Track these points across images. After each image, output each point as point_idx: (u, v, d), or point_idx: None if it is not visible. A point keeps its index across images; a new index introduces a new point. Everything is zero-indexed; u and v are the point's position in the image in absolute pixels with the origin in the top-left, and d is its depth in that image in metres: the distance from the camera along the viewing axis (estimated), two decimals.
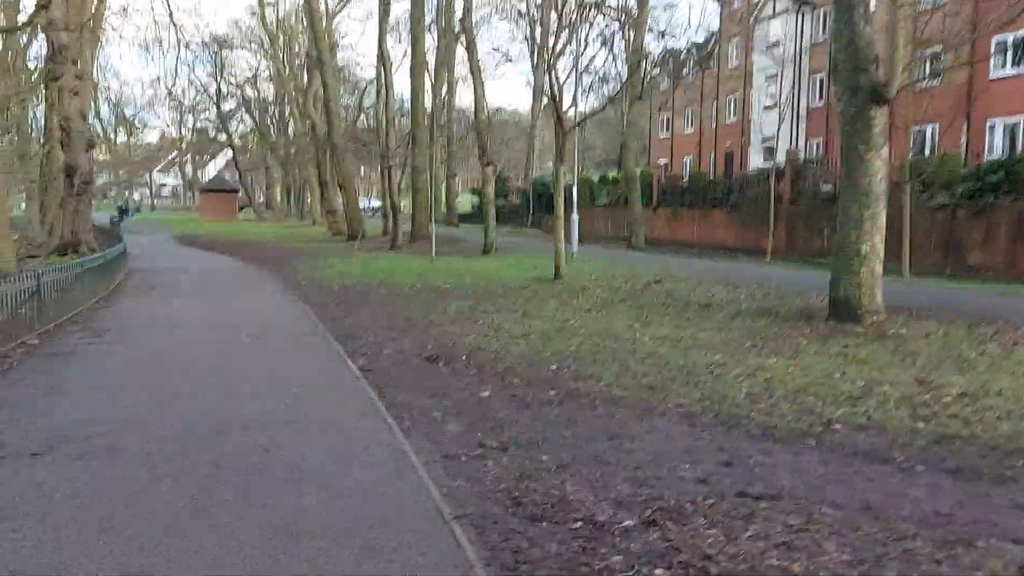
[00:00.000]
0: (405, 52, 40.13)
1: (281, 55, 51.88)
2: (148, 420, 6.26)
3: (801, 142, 37.17)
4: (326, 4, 41.05)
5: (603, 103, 22.23)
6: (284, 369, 8.41)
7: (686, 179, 38.79)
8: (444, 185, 51.55)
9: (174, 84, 61.12)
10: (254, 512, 4.29)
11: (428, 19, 35.43)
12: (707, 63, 45.59)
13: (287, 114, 65.54)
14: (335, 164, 39.14)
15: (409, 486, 4.79)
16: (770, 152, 34.61)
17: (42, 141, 28.99)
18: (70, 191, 24.25)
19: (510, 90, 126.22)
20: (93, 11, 26.96)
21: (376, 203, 71.84)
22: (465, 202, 63.59)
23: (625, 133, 32.99)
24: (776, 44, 36.74)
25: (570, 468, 5.23)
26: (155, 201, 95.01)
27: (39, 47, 31.76)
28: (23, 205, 37.91)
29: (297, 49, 51.04)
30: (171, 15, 44.47)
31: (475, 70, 26.45)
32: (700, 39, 47.10)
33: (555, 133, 16.91)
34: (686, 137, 50.60)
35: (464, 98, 55.32)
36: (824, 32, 36.04)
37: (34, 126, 32.43)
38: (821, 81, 36.45)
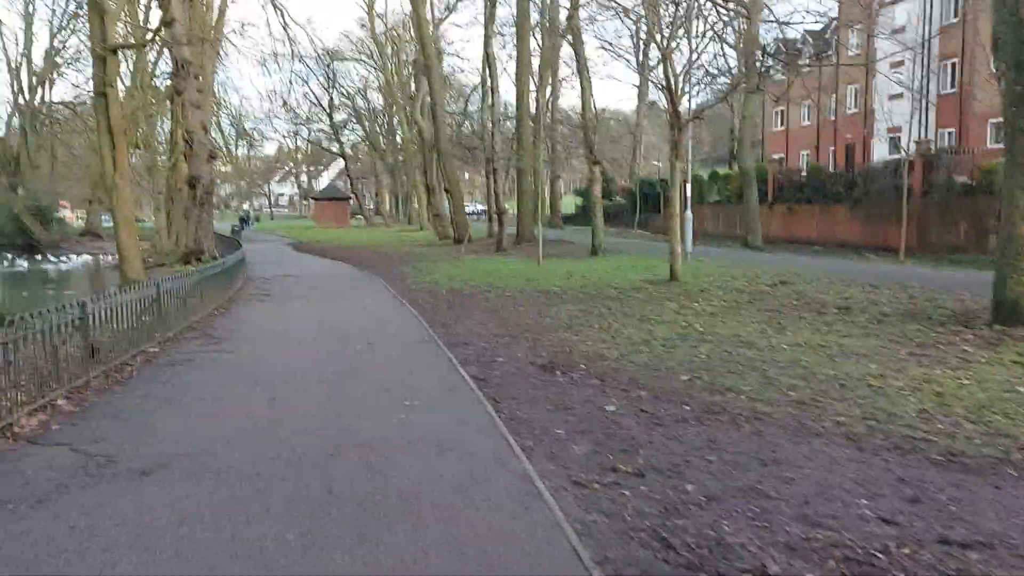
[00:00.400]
0: (510, 55, 39.84)
1: (389, 65, 52.79)
2: (260, 436, 5.92)
3: (930, 132, 34.45)
4: (432, 12, 41.37)
5: (720, 95, 21.02)
6: (396, 379, 7.99)
7: (804, 173, 36.74)
8: (548, 187, 51.12)
9: (289, 94, 63.37)
10: (369, 552, 3.77)
11: (532, 20, 35.07)
12: (825, 52, 43.12)
13: (395, 122, 66.85)
14: (441, 169, 39.31)
15: (539, 521, 4.17)
16: (895, 144, 32.21)
17: (168, 154, 30.33)
18: (193, 201, 25.16)
19: (614, 90, 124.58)
20: (213, 27, 28.01)
21: (480, 207, 72.33)
22: (568, 203, 63.01)
23: (740, 127, 31.42)
24: (902, 29, 34.20)
25: (722, 502, 4.49)
26: (273, 210, 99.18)
27: (165, 65, 33.42)
28: (151, 216, 40.00)
29: (405, 58, 51.77)
30: (285, 27, 45.62)
31: (582, 67, 25.79)
32: (817, 26, 44.67)
33: (670, 127, 16.01)
34: (802, 130, 48.11)
35: (566, 99, 54.73)
36: (955, 15, 33.32)
37: (162, 140, 34.08)
38: (953, 67, 33.70)
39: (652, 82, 45.52)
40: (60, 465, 5.22)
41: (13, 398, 6.59)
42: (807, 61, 44.16)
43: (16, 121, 47.53)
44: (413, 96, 48.39)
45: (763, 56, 25.86)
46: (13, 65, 47.44)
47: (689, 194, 24.61)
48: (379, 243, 40.18)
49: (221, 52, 31.09)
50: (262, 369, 8.81)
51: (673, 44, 16.50)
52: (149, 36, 21.36)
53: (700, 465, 5.22)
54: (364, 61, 57.91)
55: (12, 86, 46.72)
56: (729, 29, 25.41)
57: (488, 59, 29.71)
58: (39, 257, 39.59)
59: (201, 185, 25.05)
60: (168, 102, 31.04)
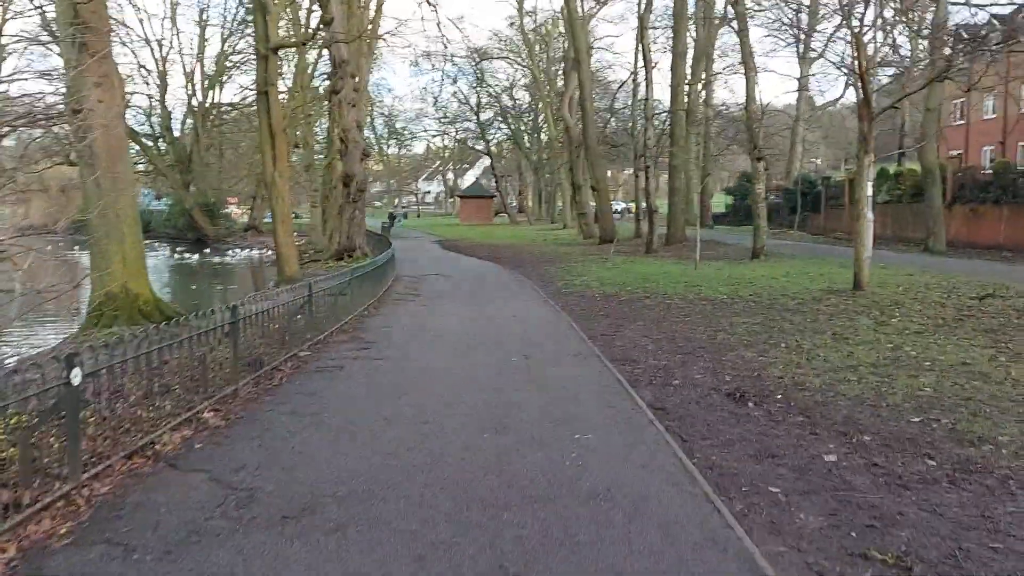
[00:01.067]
0: (665, 47, 38.16)
1: (538, 62, 52.29)
2: (415, 476, 5.09)
3: None
4: (583, 6, 40.30)
5: (920, 82, 18.57)
6: (560, 404, 7.01)
7: (988, 171, 32.71)
8: (699, 185, 48.84)
9: (440, 91, 64.29)
10: None
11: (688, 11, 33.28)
12: (1016, 37, 38.36)
13: (540, 120, 66.49)
14: (589, 166, 38.22)
15: None
16: None
17: (325, 153, 31.05)
18: (347, 199, 25.46)
19: (767, 85, 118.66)
20: (370, 26, 28.32)
21: (622, 205, 70.70)
22: (716, 203, 60.15)
23: (923, 121, 28.24)
24: None
25: None
26: (420, 208, 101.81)
27: (324, 66, 34.38)
28: (308, 212, 41.50)
29: (553, 54, 51.10)
30: (439, 23, 46.14)
31: (747, 56, 23.87)
32: (1006, 9, 39.82)
33: (859, 118, 14.12)
34: (985, 124, 43.18)
35: (717, 95, 52.07)
36: None
37: (319, 139, 35.10)
38: None
39: (836, 67, 42.27)
40: (196, 501, 4.59)
41: (160, 408, 6.19)
42: (999, 46, 39.54)
43: (189, 122, 50.85)
44: (561, 92, 47.56)
45: (955, 41, 22.96)
46: (188, 69, 50.75)
47: (870, 193, 22.16)
48: (523, 241, 39.66)
49: (376, 52, 31.50)
50: (413, 382, 8.09)
51: (862, 27, 14.57)
52: (308, 35, 21.55)
53: (983, 556, 3.87)
54: (511, 59, 57.78)
55: (186, 89, 49.94)
56: (914, 13, 22.72)
57: (643, 51, 28.33)
58: (207, 251, 42.02)
59: (355, 183, 25.30)
60: (326, 102, 31.96)
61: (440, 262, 26.60)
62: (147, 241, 51.62)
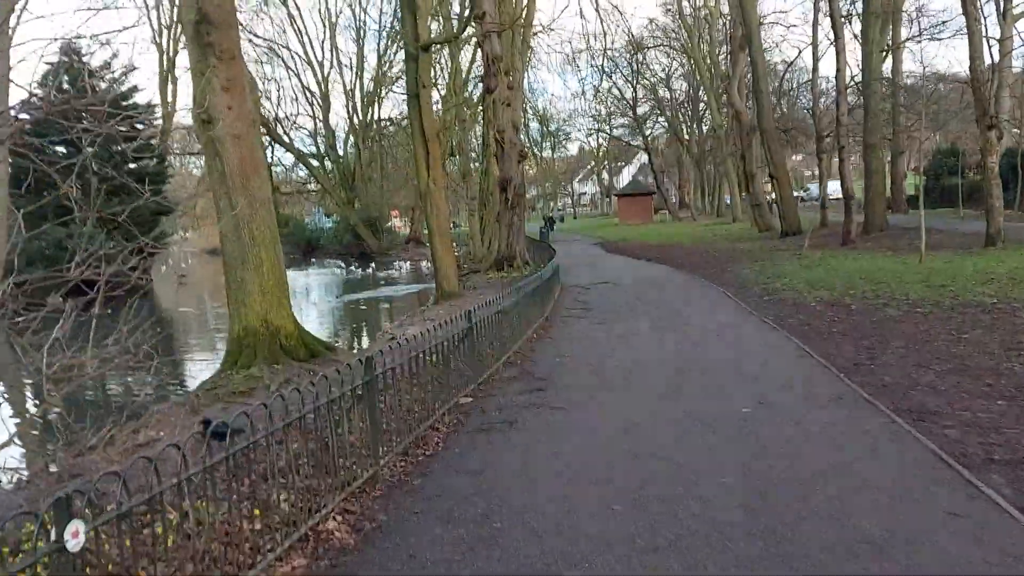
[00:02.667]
0: (849, 12, 33.64)
1: (698, 46, 48.61)
2: None
3: None
4: None
5: None
6: (851, 498, 4.40)
7: None
8: (889, 165, 43.21)
9: (600, 83, 61.09)
10: None
11: None
12: None
13: (701, 109, 62.38)
14: (765, 152, 34.35)
15: None
16: None
17: (480, 158, 29.54)
18: (504, 204, 23.65)
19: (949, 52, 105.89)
20: (523, 22, 26.45)
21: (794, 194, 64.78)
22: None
23: None
24: None
25: None
26: (575, 209, 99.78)
27: (477, 70, 32.99)
28: (466, 222, 40.47)
29: (715, 36, 47.27)
30: (597, 8, 43.59)
31: (968, 8, 19.62)
32: None
33: None
34: None
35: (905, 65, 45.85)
36: None
37: (475, 146, 33.72)
38: None
39: None
40: None
41: (270, 523, 4.22)
42: None
43: (351, 140, 51.61)
44: (726, 77, 43.72)
45: None
46: (348, 88, 51.54)
47: None
48: (692, 239, 36.36)
49: (529, 49, 29.63)
50: (613, 452, 5.74)
51: None
52: (459, 29, 19.87)
53: None
54: (669, 47, 54.33)
55: (347, 107, 50.68)
56: None
57: (832, 13, 24.40)
58: (373, 266, 42.03)
59: (512, 187, 23.44)
60: (480, 108, 30.57)
61: (606, 268, 24.15)
62: (315, 259, 53.23)
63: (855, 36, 32.65)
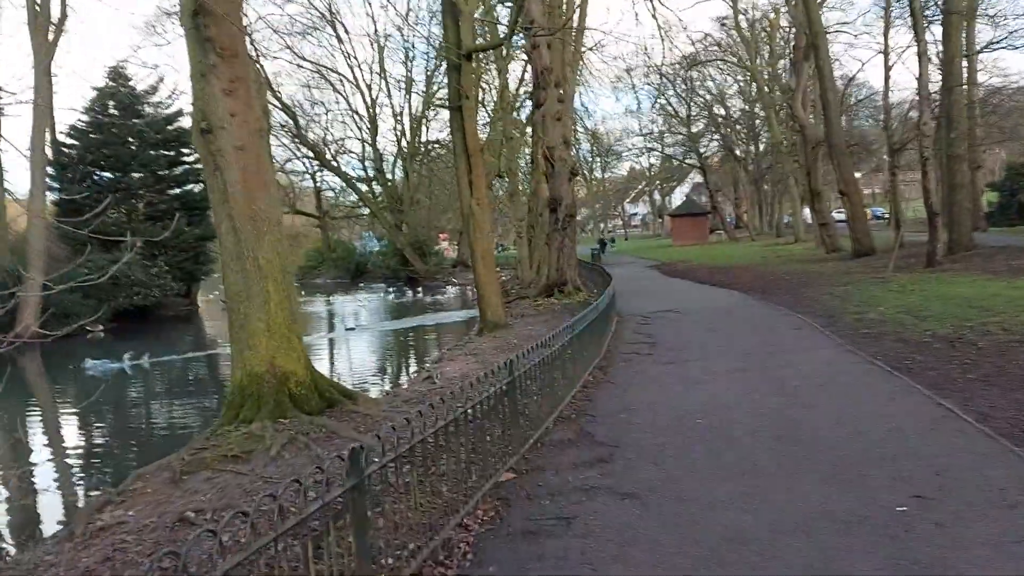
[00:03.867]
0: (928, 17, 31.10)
1: (757, 60, 46.38)
2: None
3: None
4: None
5: None
6: None
7: None
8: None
9: (655, 101, 58.81)
10: None
11: None
12: None
13: (758, 125, 59.90)
14: (834, 167, 31.93)
15: None
16: None
17: (529, 177, 27.91)
18: (555, 225, 21.90)
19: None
20: (574, 32, 24.85)
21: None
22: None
23: None
24: None
25: None
26: (626, 231, 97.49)
27: (525, 86, 31.45)
28: (513, 243, 38.88)
29: (776, 48, 45.01)
30: (654, 14, 41.63)
31: None
32: None
33: None
34: None
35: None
36: None
37: (523, 166, 32.09)
38: None
39: None
40: None
41: None
42: None
43: (399, 163, 50.68)
44: (787, 90, 41.40)
45: None
46: (396, 110, 50.66)
47: None
48: (755, 261, 34.02)
49: (580, 62, 28.00)
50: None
51: None
52: (506, 35, 18.34)
53: None
54: (724, 62, 52.10)
55: (395, 130, 49.76)
56: None
57: (913, 13, 22.10)
58: (419, 290, 40.64)
59: (562, 207, 21.68)
60: (527, 129, 29.00)
61: (666, 293, 22.14)
62: (363, 283, 52.17)
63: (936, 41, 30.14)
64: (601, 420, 7.60)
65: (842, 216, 52.15)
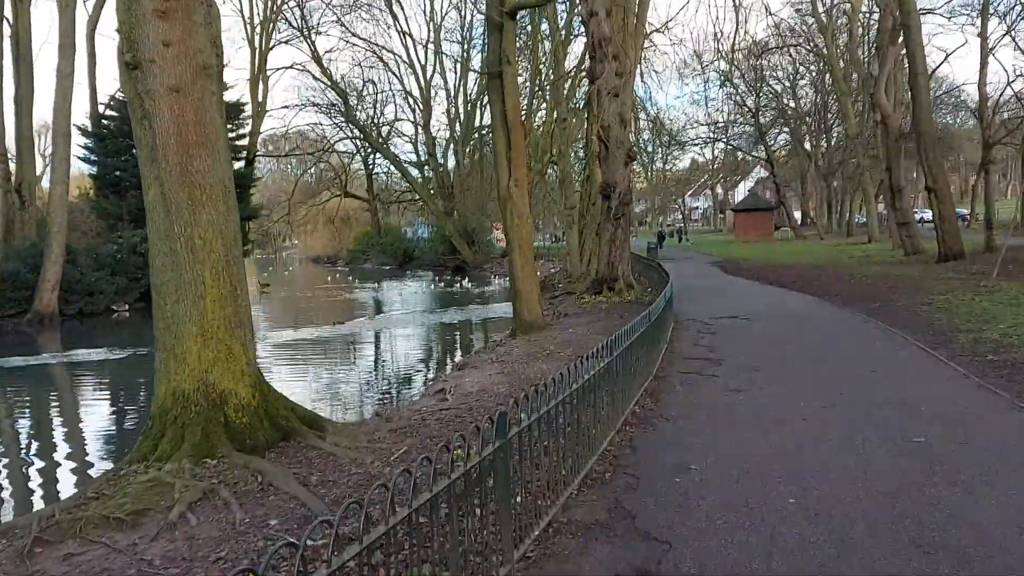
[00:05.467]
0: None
1: (834, 45, 42.65)
2: None
3: None
4: None
5: None
6: None
7: None
8: None
9: (724, 85, 54.91)
10: None
11: None
12: None
13: (830, 118, 55.92)
14: (922, 160, 28.45)
15: None
16: None
17: (583, 163, 25.40)
18: (607, 215, 19.40)
19: None
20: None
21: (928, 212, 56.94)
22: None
23: None
24: None
25: None
26: (687, 225, 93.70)
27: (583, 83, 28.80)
28: (563, 235, 36.41)
29: (855, 32, 41.22)
30: (736, 5, 38.45)
31: None
32: None
33: None
34: None
35: None
36: None
37: (577, 150, 29.52)
38: None
39: None
40: None
41: None
42: None
43: (452, 148, 48.61)
44: (870, 76, 37.74)
45: None
46: (451, 92, 48.61)
47: None
48: (826, 261, 30.84)
49: (644, 34, 25.24)
50: None
51: None
52: None
53: None
54: (796, 47, 48.37)
55: (448, 113, 47.70)
56: None
57: None
58: (466, 280, 38.51)
59: (616, 194, 19.16)
60: (584, 114, 26.45)
61: (730, 294, 19.44)
62: (411, 269, 50.21)
63: None
64: (648, 486, 5.23)
65: (920, 216, 48.09)
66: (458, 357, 14.97)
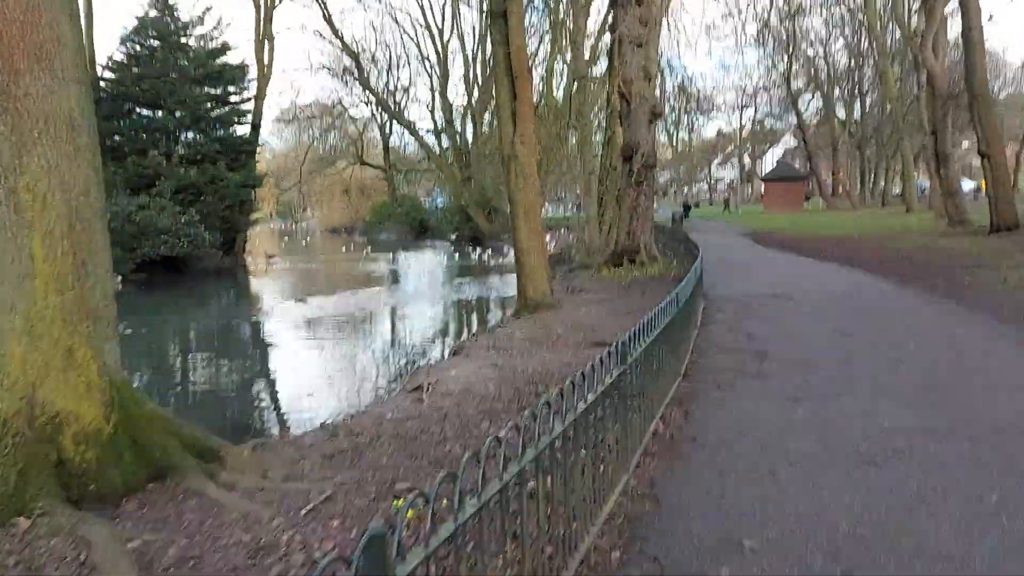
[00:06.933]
0: None
1: (873, 3, 39.54)
2: None
3: None
4: None
5: None
6: None
7: None
8: None
9: (757, 48, 51.56)
10: None
11: None
12: None
13: (866, 83, 52.66)
14: (976, 122, 25.73)
15: None
16: None
17: (605, 123, 23.11)
18: (628, 180, 17.21)
19: None
20: None
21: (970, 184, 53.66)
22: None
23: None
24: None
25: None
26: (712, 195, 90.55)
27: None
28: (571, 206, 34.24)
29: None
30: None
31: None
32: None
33: None
34: None
35: None
36: None
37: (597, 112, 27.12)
38: None
39: None
40: None
41: None
42: None
43: (470, 116, 46.30)
44: (914, 34, 34.71)
45: None
46: (470, 57, 46.21)
47: None
48: (866, 233, 28.37)
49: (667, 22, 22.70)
50: None
51: None
52: None
53: None
54: (831, 7, 45.22)
55: (466, 79, 45.33)
56: None
57: None
58: (481, 250, 36.50)
59: (638, 156, 16.95)
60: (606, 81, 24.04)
61: (767, 269, 17.22)
62: (429, 240, 48.32)
63: None
64: (684, 525, 3.22)
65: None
66: (459, 338, 13.00)
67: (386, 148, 51.22)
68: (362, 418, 6.81)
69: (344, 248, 44.98)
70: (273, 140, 54.90)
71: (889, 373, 6.84)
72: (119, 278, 23.96)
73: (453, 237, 44.53)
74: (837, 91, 56.55)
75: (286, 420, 7.75)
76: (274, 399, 9.59)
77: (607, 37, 24.51)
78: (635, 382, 4.43)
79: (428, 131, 46.83)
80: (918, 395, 6.05)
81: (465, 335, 13.20)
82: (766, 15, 42.67)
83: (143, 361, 13.24)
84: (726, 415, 5.76)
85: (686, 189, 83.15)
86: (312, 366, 12.12)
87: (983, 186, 55.27)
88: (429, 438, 5.69)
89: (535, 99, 29.47)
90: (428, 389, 7.70)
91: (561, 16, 24.87)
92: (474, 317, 17.60)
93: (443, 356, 11.16)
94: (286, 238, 62.29)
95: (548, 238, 34.35)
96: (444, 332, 15.69)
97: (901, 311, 10.45)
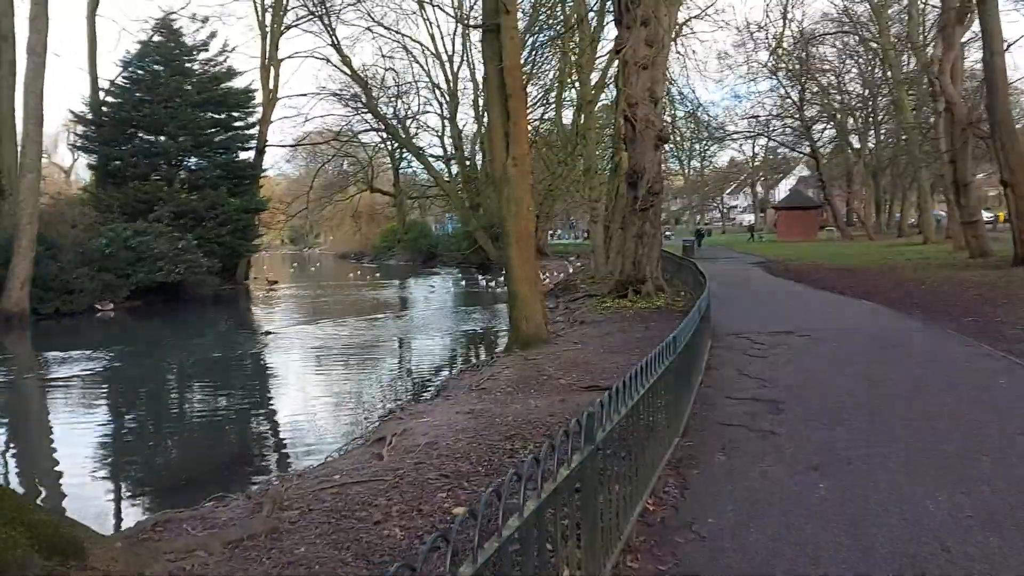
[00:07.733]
0: None
1: (888, 32, 38.67)
2: None
3: None
4: None
5: None
6: None
7: None
8: None
9: (770, 67, 50.26)
10: None
11: None
12: None
13: (880, 111, 51.58)
14: (996, 150, 24.59)
15: None
16: None
17: (611, 148, 22.20)
18: (633, 206, 16.21)
19: None
20: None
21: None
22: None
23: None
24: None
25: None
26: (724, 223, 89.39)
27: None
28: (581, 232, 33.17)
29: (912, 15, 37.15)
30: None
31: None
32: None
33: None
34: None
35: None
36: None
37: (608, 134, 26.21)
38: None
39: None
40: None
41: None
42: None
43: (479, 141, 45.65)
44: (940, 60, 33.70)
45: None
46: (479, 85, 45.65)
47: None
48: (883, 263, 27.15)
49: (679, 11, 21.91)
50: None
51: None
52: None
53: None
54: (844, 34, 44.34)
55: (476, 105, 44.72)
56: None
57: None
58: (489, 279, 35.51)
59: (643, 182, 15.95)
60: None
61: (779, 301, 16.10)
62: (436, 266, 47.44)
63: None
64: None
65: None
66: (452, 370, 11.91)
67: (396, 174, 50.64)
68: (304, 481, 5.76)
69: (352, 274, 44.20)
70: (285, 166, 54.45)
71: (927, 434, 5.72)
72: (111, 305, 23.20)
73: (461, 263, 43.66)
74: (851, 120, 55.56)
75: (219, 478, 6.64)
76: (217, 449, 8.42)
77: (616, 64, 23.71)
78: (609, 466, 3.37)
79: (437, 157, 46.18)
80: (965, 467, 4.93)
81: (455, 370, 12.09)
82: (778, 44, 41.82)
83: (82, 400, 12.07)
84: (732, 489, 4.67)
85: (698, 217, 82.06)
86: (282, 408, 11.03)
87: (1000, 217, 53.58)
88: (368, 515, 4.63)
89: (547, 125, 28.78)
90: (391, 443, 6.67)
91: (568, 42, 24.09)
92: (469, 350, 16.52)
93: (427, 395, 10.10)
94: (295, 264, 61.69)
95: (557, 265, 33.28)
96: (436, 367, 14.58)
97: (931, 353, 9.30)
